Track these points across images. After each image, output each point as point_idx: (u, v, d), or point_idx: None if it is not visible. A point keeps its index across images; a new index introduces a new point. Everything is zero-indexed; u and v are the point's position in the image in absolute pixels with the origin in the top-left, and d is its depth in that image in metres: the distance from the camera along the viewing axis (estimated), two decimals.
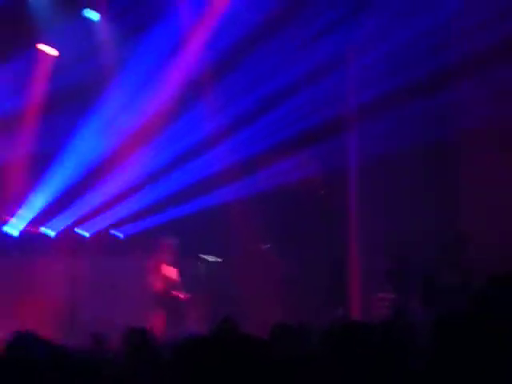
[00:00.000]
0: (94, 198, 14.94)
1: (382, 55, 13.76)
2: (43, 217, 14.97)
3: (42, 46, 15.06)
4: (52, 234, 14.89)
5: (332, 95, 14.18)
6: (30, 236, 14.80)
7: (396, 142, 13.03)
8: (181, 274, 13.73)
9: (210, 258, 14.87)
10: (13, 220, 14.80)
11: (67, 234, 14.95)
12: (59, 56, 15.16)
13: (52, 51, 15.15)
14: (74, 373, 4.44)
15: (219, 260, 14.95)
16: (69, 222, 14.93)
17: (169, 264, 13.52)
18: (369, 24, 13.76)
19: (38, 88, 15.31)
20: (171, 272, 13.49)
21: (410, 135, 12.96)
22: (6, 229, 14.67)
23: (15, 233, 14.64)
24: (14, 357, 5.13)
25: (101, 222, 15.08)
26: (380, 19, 13.62)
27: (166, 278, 13.41)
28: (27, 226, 14.84)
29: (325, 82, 14.05)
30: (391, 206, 14.07)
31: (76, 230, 15.01)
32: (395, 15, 13.44)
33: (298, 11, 13.73)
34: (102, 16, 15.03)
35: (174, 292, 13.30)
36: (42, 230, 14.98)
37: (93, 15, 14.66)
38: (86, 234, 15.00)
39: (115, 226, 15.26)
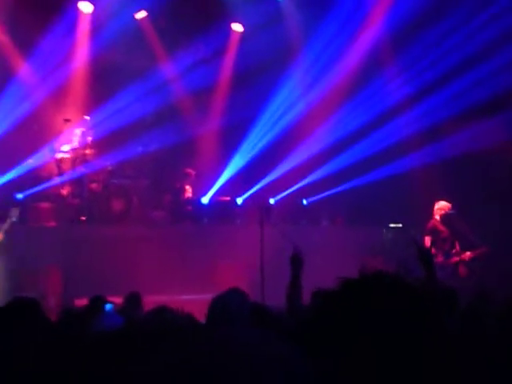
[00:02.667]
0: (280, 168, 15.31)
1: None
2: (230, 186, 15.48)
3: (235, 26, 16.10)
4: (239, 201, 15.30)
5: None
6: (220, 204, 15.26)
7: None
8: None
9: (392, 225, 15.00)
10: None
11: (254, 201, 15.14)
12: (247, 33, 15.81)
13: (240, 28, 15.98)
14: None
15: (399, 226, 15.12)
16: (255, 189, 15.39)
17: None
18: None
19: (227, 64, 16.24)
20: None
21: None
22: (202, 199, 15.18)
23: (205, 200, 15.08)
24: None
25: (285, 190, 15.35)
26: None
27: None
28: (216, 194, 15.38)
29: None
30: None
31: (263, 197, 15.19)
32: None
33: None
34: None
35: None
36: (231, 198, 15.39)
37: None
38: (271, 201, 15.26)
39: (302, 192, 15.50)
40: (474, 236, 13.06)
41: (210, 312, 5.20)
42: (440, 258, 12.43)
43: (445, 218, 12.68)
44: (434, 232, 12.60)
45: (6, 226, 12.28)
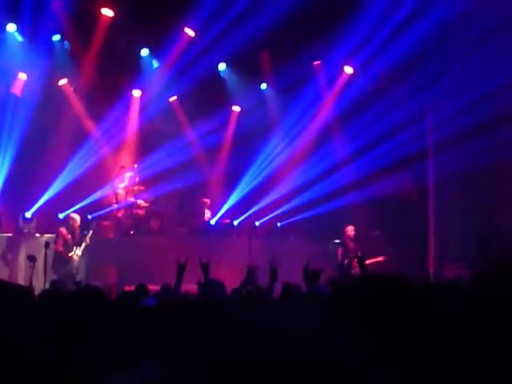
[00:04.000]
0: (263, 201, 16.24)
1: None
2: (230, 212, 16.35)
3: (235, 108, 17.04)
4: (236, 223, 16.22)
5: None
6: (222, 224, 16.15)
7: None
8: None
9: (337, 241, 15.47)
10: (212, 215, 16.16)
11: (245, 223, 15.94)
12: (242, 111, 17.01)
13: (238, 108, 17.10)
14: None
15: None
16: (247, 214, 16.17)
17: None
18: None
19: (229, 132, 17.11)
20: None
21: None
22: (211, 222, 16.04)
23: (212, 222, 16.13)
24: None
25: (267, 215, 16.19)
26: None
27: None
28: (220, 218, 16.30)
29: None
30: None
31: (251, 220, 15.91)
32: None
33: None
34: (268, 85, 16.83)
35: None
36: (230, 220, 16.25)
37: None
38: (257, 223, 15.88)
39: (278, 217, 16.30)
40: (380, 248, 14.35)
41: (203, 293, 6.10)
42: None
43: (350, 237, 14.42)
44: (344, 246, 14.43)
45: (88, 236, 13.64)
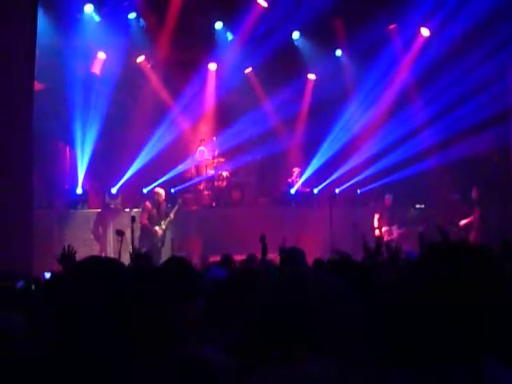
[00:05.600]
0: (342, 168, 16.17)
1: None
2: (311, 180, 16.40)
3: (310, 76, 16.98)
4: (316, 191, 16.35)
5: None
6: (302, 193, 16.24)
7: None
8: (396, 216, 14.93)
9: (418, 205, 15.90)
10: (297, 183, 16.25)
11: (325, 191, 16.08)
12: (318, 80, 16.92)
13: (313, 76, 17.02)
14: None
15: (423, 206, 15.98)
16: (326, 182, 16.28)
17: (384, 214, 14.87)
18: None
19: (306, 100, 17.11)
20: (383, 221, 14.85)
21: None
22: (291, 190, 16.21)
23: (293, 191, 16.16)
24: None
25: (347, 182, 16.22)
26: None
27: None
28: (301, 186, 16.34)
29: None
30: None
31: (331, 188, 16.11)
32: None
33: None
34: (342, 52, 16.74)
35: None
36: (310, 189, 16.35)
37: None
38: (337, 191, 16.14)
39: (358, 184, 16.34)
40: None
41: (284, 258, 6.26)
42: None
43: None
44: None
45: (173, 211, 13.85)
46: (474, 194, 14.55)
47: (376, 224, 14.99)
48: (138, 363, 2.17)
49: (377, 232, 14.69)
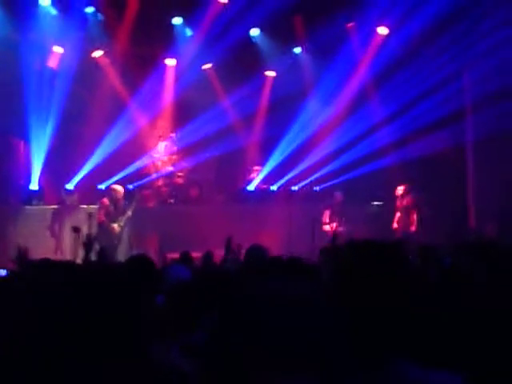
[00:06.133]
0: (300, 166, 16.25)
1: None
2: (269, 178, 16.40)
3: (269, 73, 16.99)
4: (273, 188, 16.37)
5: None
6: (260, 190, 16.29)
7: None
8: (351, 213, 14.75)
9: (376, 202, 16.07)
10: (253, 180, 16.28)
11: (283, 189, 16.27)
12: (277, 76, 16.92)
13: (272, 73, 17.01)
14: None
15: (381, 203, 16.03)
16: (284, 180, 16.33)
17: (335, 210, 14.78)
18: None
19: (265, 97, 17.13)
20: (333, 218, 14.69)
21: None
22: (249, 187, 16.26)
23: (251, 188, 16.27)
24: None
25: (305, 180, 16.29)
26: None
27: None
28: (259, 184, 16.36)
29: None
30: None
31: (289, 185, 16.25)
32: None
33: None
34: (301, 49, 16.70)
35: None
36: (267, 186, 16.38)
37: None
38: (295, 188, 16.26)
39: (314, 182, 16.39)
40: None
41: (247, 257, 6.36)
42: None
43: None
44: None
45: (132, 206, 13.59)
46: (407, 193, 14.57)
47: (327, 220, 14.89)
48: (105, 369, 2.07)
49: (327, 227, 14.64)
